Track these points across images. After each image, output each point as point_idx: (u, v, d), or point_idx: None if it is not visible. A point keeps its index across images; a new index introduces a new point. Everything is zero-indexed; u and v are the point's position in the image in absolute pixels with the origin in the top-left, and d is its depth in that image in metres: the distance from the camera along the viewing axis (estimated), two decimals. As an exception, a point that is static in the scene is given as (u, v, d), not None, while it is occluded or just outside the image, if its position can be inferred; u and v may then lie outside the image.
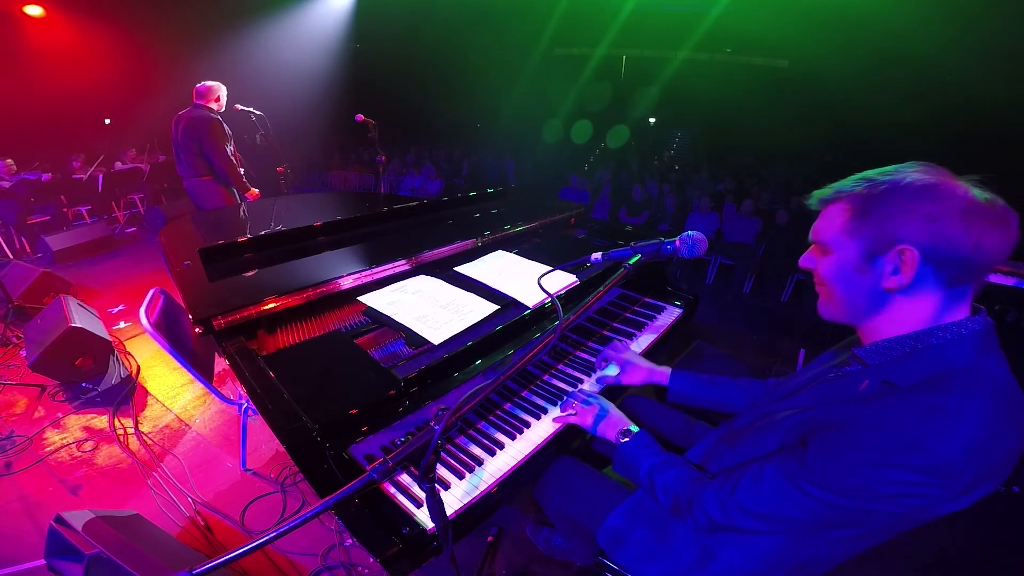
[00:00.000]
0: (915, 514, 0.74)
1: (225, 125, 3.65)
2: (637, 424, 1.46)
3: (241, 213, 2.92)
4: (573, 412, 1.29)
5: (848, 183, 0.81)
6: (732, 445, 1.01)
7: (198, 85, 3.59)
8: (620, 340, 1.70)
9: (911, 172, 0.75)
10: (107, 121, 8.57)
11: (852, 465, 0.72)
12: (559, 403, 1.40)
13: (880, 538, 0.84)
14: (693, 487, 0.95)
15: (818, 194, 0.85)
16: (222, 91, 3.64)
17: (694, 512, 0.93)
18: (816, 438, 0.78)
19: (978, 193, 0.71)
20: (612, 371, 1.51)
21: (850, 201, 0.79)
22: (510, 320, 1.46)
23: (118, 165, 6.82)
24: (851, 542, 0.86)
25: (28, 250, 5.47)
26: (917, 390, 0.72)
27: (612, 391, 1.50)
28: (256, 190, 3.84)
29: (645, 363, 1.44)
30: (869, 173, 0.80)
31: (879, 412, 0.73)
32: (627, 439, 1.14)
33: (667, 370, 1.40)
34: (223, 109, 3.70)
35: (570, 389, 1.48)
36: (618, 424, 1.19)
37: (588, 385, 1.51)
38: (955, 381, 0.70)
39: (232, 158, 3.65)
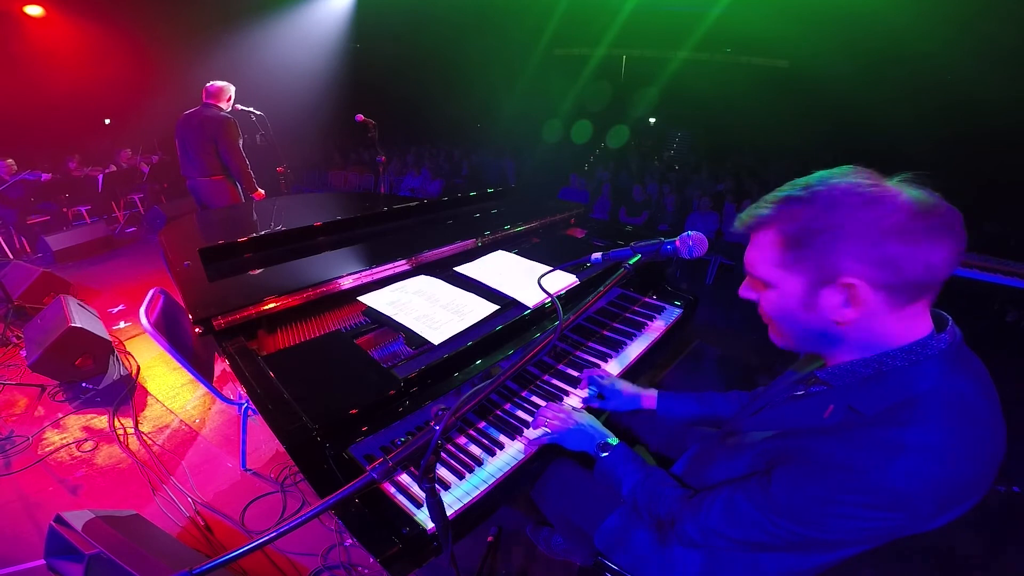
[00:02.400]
0: (881, 541, 0.75)
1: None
2: (630, 431, 1.44)
3: (241, 213, 2.92)
4: (547, 429, 1.23)
5: (768, 207, 0.73)
6: (710, 463, 1.01)
7: (208, 85, 3.58)
8: (623, 342, 1.68)
9: (837, 183, 0.68)
10: (107, 121, 8.57)
11: (814, 501, 0.70)
12: (531, 422, 1.30)
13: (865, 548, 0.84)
14: (673, 508, 0.95)
15: (740, 219, 0.78)
16: (232, 91, 3.65)
17: (676, 532, 0.94)
18: (780, 471, 0.77)
19: (916, 197, 0.65)
20: (593, 393, 1.45)
21: (778, 230, 0.72)
22: (510, 320, 1.45)
23: (113, 167, 6.81)
24: (833, 551, 0.86)
25: (28, 250, 5.47)
26: (881, 422, 0.69)
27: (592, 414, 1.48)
28: (262, 191, 3.84)
29: (630, 388, 1.39)
30: (790, 190, 0.72)
31: (842, 449, 0.70)
32: (606, 453, 1.12)
33: (654, 393, 1.37)
34: (230, 109, 3.70)
35: (570, 390, 1.48)
36: (595, 437, 1.15)
37: (583, 393, 1.47)
38: (919, 410, 0.67)
39: (246, 158, 3.66)
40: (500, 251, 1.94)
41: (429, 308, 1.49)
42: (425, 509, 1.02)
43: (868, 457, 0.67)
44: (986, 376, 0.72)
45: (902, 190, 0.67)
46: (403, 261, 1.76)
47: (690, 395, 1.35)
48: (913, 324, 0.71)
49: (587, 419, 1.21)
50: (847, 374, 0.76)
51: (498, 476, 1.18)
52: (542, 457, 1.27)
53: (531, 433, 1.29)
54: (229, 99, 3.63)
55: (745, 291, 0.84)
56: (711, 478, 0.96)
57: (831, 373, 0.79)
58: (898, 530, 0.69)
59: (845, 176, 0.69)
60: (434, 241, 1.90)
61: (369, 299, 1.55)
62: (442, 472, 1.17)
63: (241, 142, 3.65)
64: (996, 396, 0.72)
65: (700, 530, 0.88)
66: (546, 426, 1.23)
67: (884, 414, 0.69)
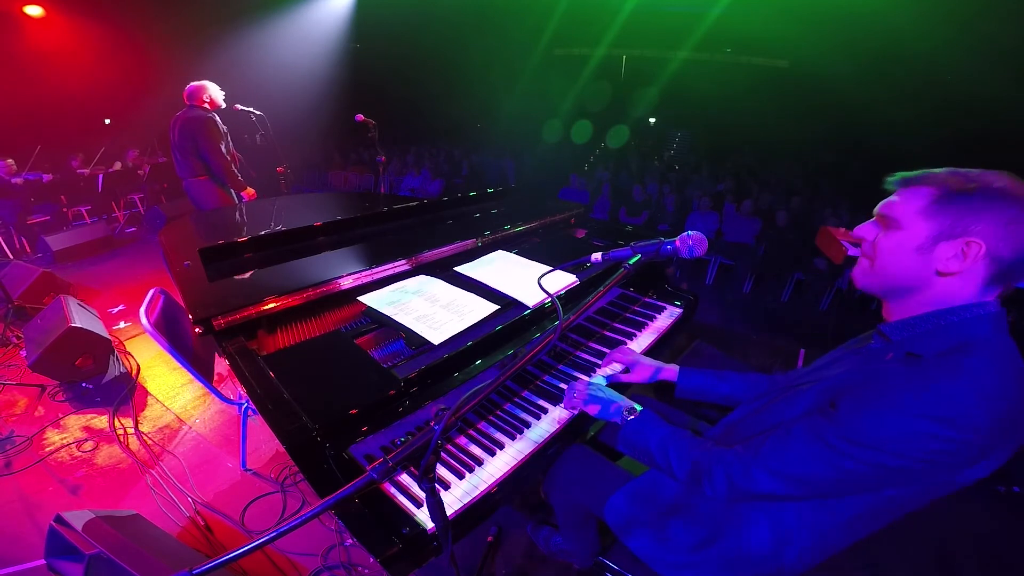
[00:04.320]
0: (938, 474, 0.76)
1: (220, 124, 3.63)
2: None
3: (240, 213, 2.92)
4: (575, 398, 1.26)
5: (939, 170, 0.85)
6: (753, 419, 1.02)
7: (187, 86, 3.59)
8: (622, 342, 1.69)
9: (1000, 178, 0.79)
10: (107, 121, 8.57)
11: (882, 417, 0.75)
12: (559, 402, 1.38)
13: (894, 513, 0.85)
14: (712, 452, 0.96)
15: (904, 175, 0.87)
16: (211, 90, 3.62)
17: (713, 478, 0.92)
18: (847, 396, 0.81)
19: None
20: (619, 368, 1.51)
21: (937, 187, 0.82)
22: (510, 320, 1.46)
23: (119, 165, 6.82)
24: (866, 519, 0.87)
25: (28, 250, 5.46)
26: (941, 358, 0.77)
27: (618, 388, 1.50)
28: (252, 189, 3.83)
29: (653, 361, 1.45)
30: (960, 169, 0.84)
31: (910, 372, 0.77)
32: (633, 417, 1.13)
33: (674, 367, 1.41)
34: (221, 107, 3.69)
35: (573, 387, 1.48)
36: (622, 405, 1.18)
37: (599, 378, 1.50)
38: (976, 349, 0.75)
39: (227, 157, 3.63)
40: (500, 251, 1.94)
41: (429, 308, 1.49)
42: (425, 509, 1.02)
43: (937, 375, 0.75)
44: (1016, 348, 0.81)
45: None
46: (403, 261, 1.76)
47: (710, 372, 1.37)
48: (983, 296, 0.81)
49: (614, 392, 1.24)
50: (908, 328, 0.85)
51: (498, 476, 1.17)
52: (550, 447, 1.27)
53: (557, 411, 1.34)
54: (211, 98, 3.61)
55: (862, 229, 0.92)
56: (755, 430, 0.97)
57: (893, 327, 0.88)
58: (954, 460, 0.73)
59: (1005, 176, 0.80)
60: (434, 241, 1.90)
61: (369, 299, 1.55)
62: (442, 472, 1.17)
63: (224, 144, 3.61)
64: None
65: (744, 469, 0.88)
66: (575, 397, 1.26)
67: (943, 353, 0.78)
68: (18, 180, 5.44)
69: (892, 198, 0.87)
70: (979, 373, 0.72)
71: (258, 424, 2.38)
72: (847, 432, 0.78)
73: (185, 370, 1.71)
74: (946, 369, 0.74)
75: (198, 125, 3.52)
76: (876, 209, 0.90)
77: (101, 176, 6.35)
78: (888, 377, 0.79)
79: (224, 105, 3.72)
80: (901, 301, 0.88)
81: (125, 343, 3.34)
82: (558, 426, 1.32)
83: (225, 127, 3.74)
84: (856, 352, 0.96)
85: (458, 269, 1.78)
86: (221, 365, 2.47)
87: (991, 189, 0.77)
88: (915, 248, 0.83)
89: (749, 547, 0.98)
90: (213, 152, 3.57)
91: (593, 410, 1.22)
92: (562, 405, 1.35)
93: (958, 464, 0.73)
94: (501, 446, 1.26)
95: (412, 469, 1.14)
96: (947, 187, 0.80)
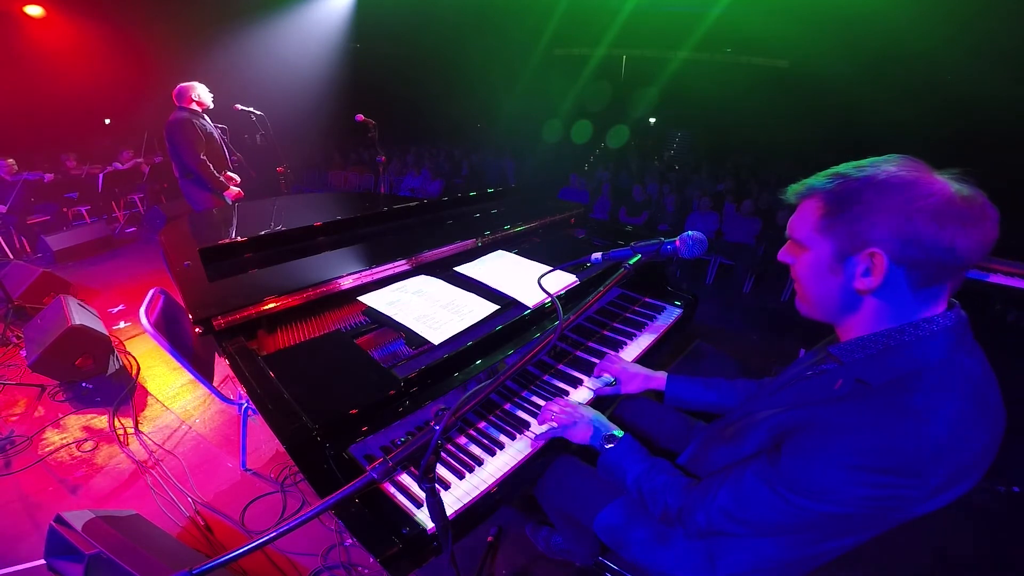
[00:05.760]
0: (888, 515, 0.74)
1: (199, 126, 3.60)
2: (636, 426, 1.45)
3: (240, 213, 2.91)
4: (553, 424, 1.22)
5: (821, 178, 0.78)
6: (716, 447, 1.01)
7: (176, 87, 3.60)
8: (612, 352, 1.64)
9: (886, 167, 0.72)
10: (107, 121, 8.58)
11: (824, 469, 0.70)
12: (537, 417, 1.31)
13: (868, 535, 0.84)
14: (681, 495, 0.95)
15: (792, 189, 0.83)
16: (197, 90, 3.61)
17: (683, 520, 0.93)
18: (789, 442, 0.77)
19: (957, 189, 0.67)
20: (607, 380, 1.49)
21: (822, 198, 0.77)
22: (510, 320, 1.45)
23: (117, 165, 6.82)
24: (839, 538, 0.86)
25: (28, 250, 5.47)
26: (889, 390, 0.72)
27: (609, 397, 1.49)
28: (236, 189, 3.81)
29: (641, 370, 1.43)
30: (843, 167, 0.77)
31: (851, 414, 0.72)
32: (611, 445, 1.11)
33: (663, 375, 1.39)
34: (209, 107, 3.68)
35: (570, 390, 1.48)
36: (600, 430, 1.15)
37: (583, 392, 1.48)
38: (926, 380, 0.70)
39: (203, 158, 3.59)
40: (500, 251, 1.94)
41: (429, 308, 1.49)
42: (425, 509, 1.02)
43: (877, 418, 0.69)
44: (986, 361, 0.75)
45: (945, 180, 0.69)
46: (403, 261, 1.76)
47: (698, 380, 1.36)
48: (928, 304, 0.73)
49: (593, 413, 1.20)
50: (856, 349, 0.79)
51: (498, 476, 1.17)
52: (543, 455, 1.27)
53: (537, 428, 1.28)
54: (199, 99, 3.60)
55: (783, 254, 0.88)
56: (717, 463, 0.96)
57: (842, 349, 0.81)
58: (904, 504, 0.70)
59: (894, 162, 0.73)
60: (434, 241, 1.90)
61: (369, 299, 1.55)
62: (442, 472, 1.17)
63: (201, 145, 3.57)
64: (996, 380, 0.74)
65: (706, 513, 0.88)
66: (552, 420, 1.22)
67: (891, 384, 0.72)
68: (2, 207, 5.31)
69: (793, 216, 0.82)
70: (928, 417, 0.66)
71: (258, 424, 2.38)
72: (789, 482, 0.75)
73: (185, 370, 1.71)
74: (888, 410, 0.69)
75: (174, 126, 3.53)
76: (786, 230, 0.85)
77: (101, 176, 6.35)
78: (831, 422, 0.72)
79: (212, 106, 3.71)
80: (846, 324, 0.82)
81: (125, 343, 3.34)
82: (540, 444, 1.29)
83: (214, 128, 3.74)
84: (810, 376, 0.89)
85: (458, 269, 1.78)
86: (221, 365, 2.47)
87: (876, 183, 0.70)
88: (826, 269, 0.78)
89: (739, 564, 0.97)
90: (186, 154, 3.56)
91: (569, 435, 1.18)
92: (535, 423, 1.30)
93: (907, 507, 0.71)
94: (501, 446, 1.26)
95: (412, 469, 1.14)
96: (831, 194, 0.75)
